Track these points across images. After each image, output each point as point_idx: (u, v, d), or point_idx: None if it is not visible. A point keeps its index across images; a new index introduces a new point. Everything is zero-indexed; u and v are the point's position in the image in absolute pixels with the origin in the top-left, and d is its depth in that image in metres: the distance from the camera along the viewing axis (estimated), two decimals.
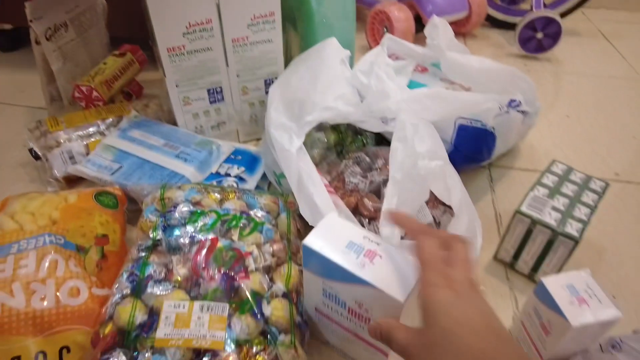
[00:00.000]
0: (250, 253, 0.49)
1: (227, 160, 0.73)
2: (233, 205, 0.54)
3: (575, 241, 0.52)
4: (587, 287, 0.46)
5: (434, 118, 0.52)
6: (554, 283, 0.46)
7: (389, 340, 0.34)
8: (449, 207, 0.49)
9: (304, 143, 0.66)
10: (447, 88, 0.66)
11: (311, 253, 0.41)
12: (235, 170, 0.71)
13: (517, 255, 0.59)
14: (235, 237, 0.50)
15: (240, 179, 0.70)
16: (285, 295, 0.48)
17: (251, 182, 0.70)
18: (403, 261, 0.39)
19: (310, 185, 0.52)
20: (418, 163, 0.45)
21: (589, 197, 0.58)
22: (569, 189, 0.59)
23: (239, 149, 0.76)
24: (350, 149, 0.69)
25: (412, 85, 0.68)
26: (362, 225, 0.55)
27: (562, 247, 0.54)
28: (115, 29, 0.96)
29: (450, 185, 0.45)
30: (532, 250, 0.57)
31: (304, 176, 0.53)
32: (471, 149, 0.63)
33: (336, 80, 0.60)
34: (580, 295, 0.45)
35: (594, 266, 0.62)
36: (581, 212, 0.56)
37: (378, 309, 0.39)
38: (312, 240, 0.41)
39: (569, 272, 0.47)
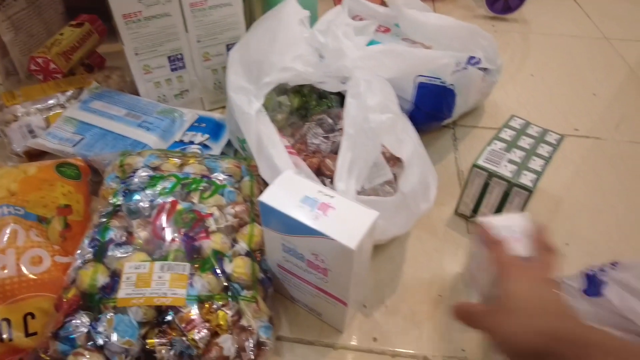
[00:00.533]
0: (211, 214, 0.49)
1: (191, 128, 0.73)
2: (193, 169, 0.54)
3: (529, 191, 0.54)
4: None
5: (391, 74, 0.53)
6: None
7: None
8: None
9: (268, 107, 0.66)
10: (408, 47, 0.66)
11: (267, 209, 0.42)
12: (199, 137, 0.71)
13: (476, 208, 0.61)
14: (195, 199, 0.50)
15: (205, 146, 0.70)
16: (249, 253, 0.49)
17: (216, 149, 0.70)
18: (355, 211, 0.40)
19: (271, 147, 0.53)
20: (369, 116, 0.45)
21: (544, 149, 0.60)
22: (525, 142, 0.61)
23: (203, 117, 0.75)
24: (315, 112, 0.70)
25: (372, 45, 0.68)
26: (325, 185, 0.56)
27: (518, 198, 0.56)
28: None
29: (401, 137, 0.46)
30: (490, 202, 0.59)
31: (264, 138, 0.53)
32: (432, 106, 0.64)
33: (294, 40, 0.59)
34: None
35: (550, 215, 0.65)
36: (536, 163, 0.57)
37: (333, 259, 0.40)
38: (267, 197, 0.42)
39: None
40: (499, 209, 0.58)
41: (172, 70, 0.76)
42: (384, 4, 0.76)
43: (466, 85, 0.66)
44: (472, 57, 0.65)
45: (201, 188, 0.51)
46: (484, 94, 0.77)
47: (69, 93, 0.75)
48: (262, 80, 0.56)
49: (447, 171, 0.72)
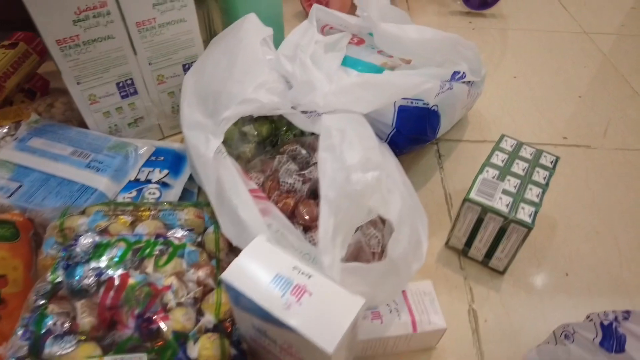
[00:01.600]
0: (169, 286, 0.42)
1: (148, 163, 0.65)
2: (147, 228, 0.46)
3: (529, 228, 0.49)
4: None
5: (369, 108, 0.46)
6: None
7: None
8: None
9: (231, 140, 0.59)
10: (384, 63, 0.60)
11: (231, 290, 0.35)
12: (157, 174, 0.63)
13: (469, 242, 0.55)
14: (149, 268, 0.43)
15: (164, 184, 0.62)
16: (217, 327, 0.42)
17: (177, 186, 0.62)
18: (337, 298, 0.33)
19: (234, 197, 0.46)
20: (351, 177, 0.38)
21: (540, 175, 0.54)
22: (519, 167, 0.55)
23: (161, 149, 0.67)
24: (286, 138, 0.63)
25: (346, 61, 0.61)
26: (304, 231, 0.49)
27: (515, 234, 0.50)
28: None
29: (388, 196, 0.40)
30: (485, 237, 0.53)
31: (226, 185, 0.46)
32: (414, 130, 0.58)
33: (256, 65, 0.52)
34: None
35: (546, 242, 0.60)
36: (533, 193, 0.52)
37: (308, 354, 0.34)
38: (232, 275, 0.35)
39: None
40: (494, 245, 0.53)
41: (123, 97, 0.68)
42: (354, 7, 0.69)
43: (451, 105, 0.60)
44: (456, 73, 0.59)
45: (156, 252, 0.44)
46: (469, 107, 0.71)
47: (4, 130, 0.66)
48: (221, 114, 0.48)
49: (433, 195, 0.66)
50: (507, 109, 0.83)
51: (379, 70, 0.57)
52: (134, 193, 0.61)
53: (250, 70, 0.51)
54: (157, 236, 0.46)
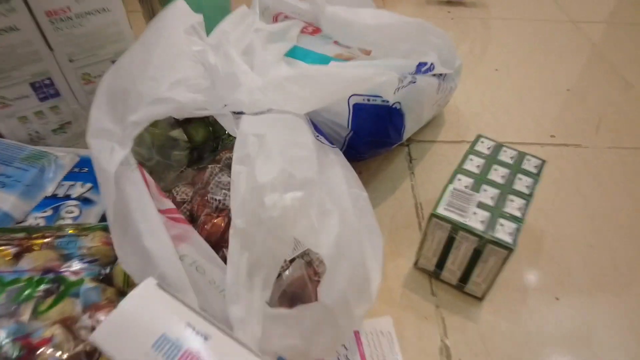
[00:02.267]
0: (50, 339, 0.33)
1: (70, 175, 0.55)
2: (33, 261, 0.37)
3: (509, 249, 0.40)
4: None
5: (306, 108, 0.37)
6: None
7: None
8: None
9: (160, 145, 0.50)
10: (337, 55, 0.51)
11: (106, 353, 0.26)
12: (78, 188, 0.54)
13: (440, 264, 0.47)
14: (26, 316, 0.34)
15: (86, 200, 0.53)
16: None
17: (102, 202, 0.53)
18: None
19: (139, 219, 0.36)
20: (265, 201, 0.29)
21: (522, 183, 0.46)
22: (498, 173, 0.47)
23: (86, 158, 0.58)
24: (229, 144, 0.53)
25: (295, 53, 0.52)
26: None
27: (494, 257, 0.42)
28: None
29: (319, 223, 0.30)
30: (458, 259, 0.44)
31: (131, 205, 0.37)
32: (374, 131, 0.49)
33: (177, 57, 0.43)
34: None
35: (533, 258, 0.52)
36: (514, 205, 0.43)
37: None
38: (102, 335, 0.26)
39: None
40: (470, 267, 0.44)
41: (42, 99, 0.58)
42: None
43: (417, 101, 0.51)
44: (422, 64, 0.50)
45: (39, 294, 0.35)
46: (442, 104, 0.63)
47: None
48: (128, 118, 0.39)
49: (402, 206, 0.57)
50: (487, 105, 0.74)
51: (330, 61, 0.48)
52: (48, 212, 0.52)
53: (168, 65, 0.42)
54: (46, 271, 0.37)
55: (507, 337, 0.45)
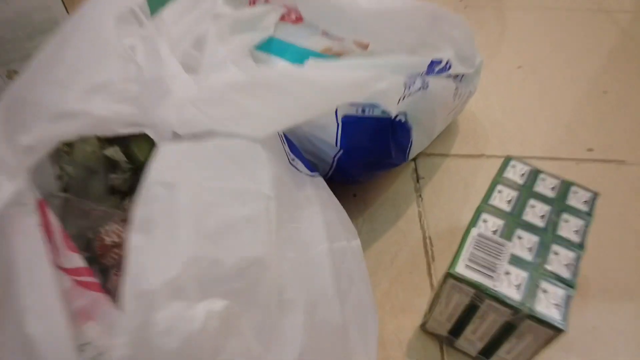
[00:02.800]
0: None
1: None
2: None
3: (557, 330, 0.28)
4: None
5: (266, 130, 0.25)
6: None
7: None
8: None
9: (88, 168, 0.38)
10: (326, 49, 0.39)
11: None
12: None
13: (456, 331, 0.35)
14: None
15: None
16: None
17: None
18: None
19: (26, 289, 0.25)
20: (157, 317, 0.17)
21: (570, 227, 0.34)
22: (536, 212, 0.35)
23: None
24: None
25: (271, 46, 0.40)
26: None
27: (532, 335, 0.30)
28: None
29: (257, 349, 0.19)
30: (481, 329, 0.33)
31: (17, 267, 0.26)
32: (370, 150, 0.38)
33: (100, 54, 0.31)
34: None
35: (576, 318, 0.40)
36: (561, 260, 0.32)
37: None
38: None
39: None
40: (497, 341, 0.33)
41: None
42: None
43: (428, 110, 0.39)
44: (435, 62, 0.38)
45: None
46: (458, 111, 0.51)
47: None
48: (18, 140, 0.28)
49: (407, 241, 0.46)
50: (510, 111, 0.62)
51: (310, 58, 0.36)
52: None
53: (85, 64, 0.30)
54: None
55: None
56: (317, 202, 0.29)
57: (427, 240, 0.46)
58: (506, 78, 0.68)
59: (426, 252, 0.45)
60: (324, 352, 0.20)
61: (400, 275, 0.43)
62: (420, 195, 0.50)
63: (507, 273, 0.31)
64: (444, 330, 0.36)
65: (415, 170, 0.53)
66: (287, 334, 0.19)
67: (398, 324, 0.39)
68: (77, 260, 0.29)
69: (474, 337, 0.34)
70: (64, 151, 0.38)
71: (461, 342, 0.36)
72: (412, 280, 0.42)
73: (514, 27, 0.81)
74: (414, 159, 0.54)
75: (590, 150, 0.57)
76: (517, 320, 0.30)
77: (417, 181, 0.51)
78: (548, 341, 0.29)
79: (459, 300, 0.32)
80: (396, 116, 0.36)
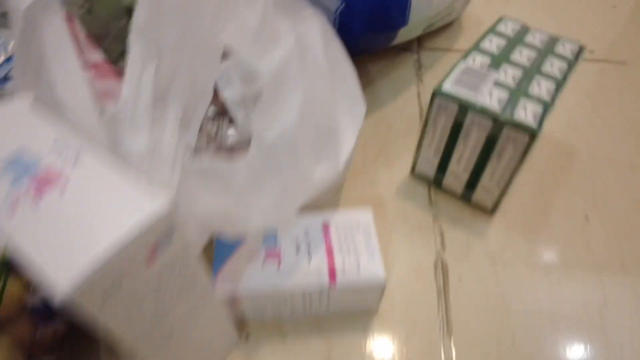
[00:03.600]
0: None
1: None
2: None
3: (531, 133, 0.31)
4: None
5: None
6: None
7: None
8: None
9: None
10: None
11: None
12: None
13: (443, 165, 0.38)
14: None
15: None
16: (5, 264, 0.26)
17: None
18: (113, 200, 0.16)
19: (54, 68, 0.28)
20: None
21: (554, 66, 0.36)
22: (523, 55, 0.37)
23: None
24: None
25: None
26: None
27: (511, 146, 0.32)
28: None
29: (257, 30, 0.21)
30: (466, 154, 0.35)
31: (46, 51, 0.29)
32: (371, 3, 0.40)
33: None
34: None
35: (560, 173, 0.42)
36: (541, 88, 0.34)
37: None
38: None
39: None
40: (480, 166, 0.35)
41: None
42: None
43: None
44: None
45: None
46: (461, 3, 0.52)
47: None
48: None
49: (403, 113, 0.48)
50: (513, 13, 0.63)
51: None
52: None
53: None
54: None
55: (521, 256, 0.36)
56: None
57: (423, 113, 0.48)
58: None
59: (421, 120, 0.47)
60: (308, 72, 0.23)
61: (395, 139, 0.45)
62: (420, 80, 0.52)
63: (490, 93, 0.33)
64: (431, 169, 0.39)
65: (418, 60, 0.55)
66: (280, 41, 0.22)
67: (389, 172, 0.42)
68: (98, 56, 0.32)
69: (459, 168, 0.37)
70: None
71: (448, 180, 0.39)
72: (405, 143, 0.45)
73: None
74: (417, 52, 0.56)
75: (592, 52, 0.58)
76: (497, 131, 0.32)
77: (419, 69, 0.54)
78: (525, 151, 0.32)
79: (444, 123, 0.35)
80: None
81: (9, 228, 0.15)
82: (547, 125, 0.46)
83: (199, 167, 0.21)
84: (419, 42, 0.57)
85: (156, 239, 0.16)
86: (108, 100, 0.31)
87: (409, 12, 0.43)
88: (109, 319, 0.16)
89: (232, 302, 0.28)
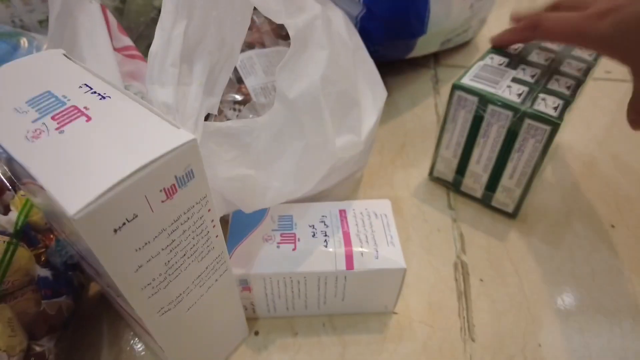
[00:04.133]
0: None
1: None
2: None
3: (554, 124, 0.30)
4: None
5: None
6: None
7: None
8: None
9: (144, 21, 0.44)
10: None
11: None
12: None
13: (462, 166, 0.37)
14: None
15: None
16: (19, 232, 0.26)
17: None
18: (143, 132, 0.16)
19: (86, 48, 0.29)
20: None
21: (572, 67, 0.36)
22: (541, 57, 0.37)
23: None
24: None
25: None
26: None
27: (532, 140, 0.32)
28: None
29: None
30: (485, 152, 0.35)
31: (80, 33, 0.30)
32: (391, 10, 0.41)
33: None
34: None
35: (583, 183, 0.41)
36: (560, 84, 0.34)
37: (63, 225, 0.17)
38: None
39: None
40: (500, 165, 0.35)
41: None
42: None
43: None
44: None
45: None
46: (476, 16, 0.53)
47: None
48: None
49: (421, 121, 0.48)
50: None
51: None
52: None
53: None
54: None
55: (544, 260, 0.35)
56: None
57: (440, 121, 0.48)
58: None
59: (438, 126, 0.47)
60: (335, 41, 0.23)
61: (412, 144, 0.45)
62: (437, 93, 0.53)
63: (509, 87, 0.33)
64: (450, 171, 0.38)
65: (435, 75, 0.56)
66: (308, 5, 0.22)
67: (407, 174, 0.42)
68: (127, 41, 0.33)
69: (479, 168, 0.36)
70: None
71: (467, 182, 0.38)
72: (422, 147, 0.45)
73: None
74: (434, 68, 0.57)
75: (608, 72, 0.58)
76: (518, 124, 0.32)
77: (436, 83, 0.54)
78: (546, 144, 0.31)
79: (464, 118, 0.34)
80: None
81: (31, 151, 0.15)
82: (567, 137, 0.46)
83: (220, 129, 0.21)
84: (436, 58, 0.58)
85: (176, 175, 0.16)
86: (134, 80, 0.31)
87: (428, 20, 0.43)
88: (118, 255, 0.16)
89: (245, 286, 0.27)
